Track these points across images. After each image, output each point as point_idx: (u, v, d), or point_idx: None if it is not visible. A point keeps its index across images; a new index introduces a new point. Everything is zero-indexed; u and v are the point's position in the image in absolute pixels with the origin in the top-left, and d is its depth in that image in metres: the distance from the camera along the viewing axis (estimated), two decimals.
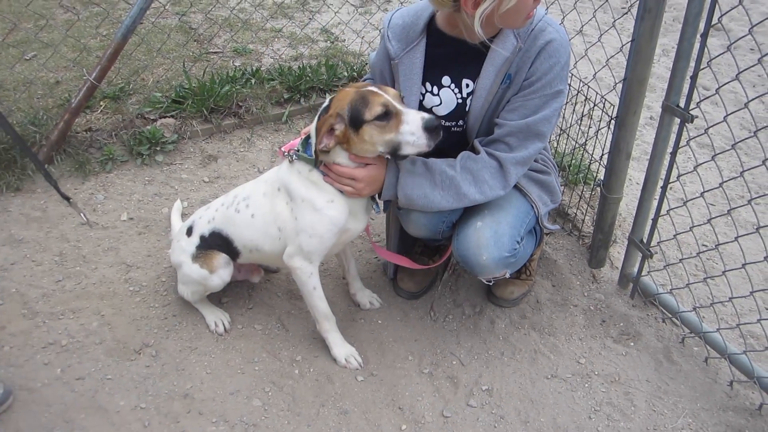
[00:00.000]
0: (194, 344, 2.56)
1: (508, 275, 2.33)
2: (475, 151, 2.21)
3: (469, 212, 2.27)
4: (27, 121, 3.53)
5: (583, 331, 2.64)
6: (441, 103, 2.28)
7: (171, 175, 3.56)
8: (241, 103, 3.88)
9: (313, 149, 2.09)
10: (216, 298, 2.73)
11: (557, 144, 3.49)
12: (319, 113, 2.11)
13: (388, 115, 1.96)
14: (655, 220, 2.44)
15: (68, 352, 2.49)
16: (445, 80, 2.25)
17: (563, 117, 3.31)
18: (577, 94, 2.99)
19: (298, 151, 2.19)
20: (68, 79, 4.17)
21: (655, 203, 2.47)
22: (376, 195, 2.25)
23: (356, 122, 1.99)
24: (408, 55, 2.21)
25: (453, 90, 2.25)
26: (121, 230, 3.18)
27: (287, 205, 2.25)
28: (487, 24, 1.98)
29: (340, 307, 2.76)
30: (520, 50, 2.09)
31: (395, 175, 2.15)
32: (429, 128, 1.96)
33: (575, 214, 3.17)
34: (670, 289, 2.56)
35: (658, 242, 2.50)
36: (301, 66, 4.18)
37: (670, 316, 2.56)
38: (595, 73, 2.83)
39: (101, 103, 3.91)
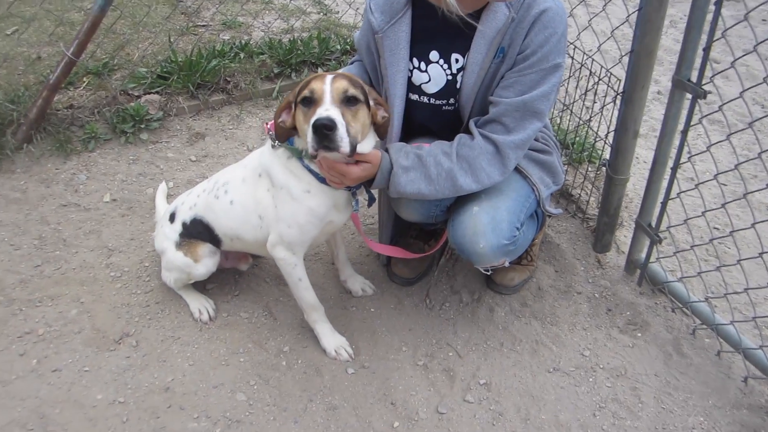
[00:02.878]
0: (177, 334, 2.43)
1: (507, 264, 2.19)
2: (470, 134, 2.06)
3: (465, 196, 2.12)
4: (4, 99, 3.36)
5: (587, 321, 2.50)
6: (430, 80, 2.12)
7: (156, 154, 3.40)
8: (229, 79, 3.71)
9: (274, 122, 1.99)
10: (200, 285, 2.60)
11: (560, 121, 3.32)
12: None
13: (310, 101, 1.83)
14: (664, 204, 2.29)
15: (45, 342, 2.37)
16: (433, 55, 2.08)
17: (566, 92, 3.13)
18: (580, 68, 2.81)
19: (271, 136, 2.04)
20: (51, 55, 3.99)
21: (664, 185, 2.31)
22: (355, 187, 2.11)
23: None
24: (392, 28, 2.04)
25: (442, 66, 2.08)
26: (104, 212, 3.03)
27: (268, 192, 2.10)
28: None
29: (331, 293, 2.62)
30: (513, 21, 1.91)
31: (388, 170, 2.00)
32: (314, 126, 1.72)
33: (579, 195, 3.01)
34: (681, 277, 2.42)
35: (667, 227, 2.36)
36: (291, 39, 3.99)
37: (681, 306, 2.41)
38: (600, 45, 2.64)
39: (84, 78, 3.74)
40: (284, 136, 1.98)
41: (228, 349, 2.37)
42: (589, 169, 3.07)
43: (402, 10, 2.02)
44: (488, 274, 2.51)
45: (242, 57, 3.87)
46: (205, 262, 2.39)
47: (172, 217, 2.45)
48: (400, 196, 2.05)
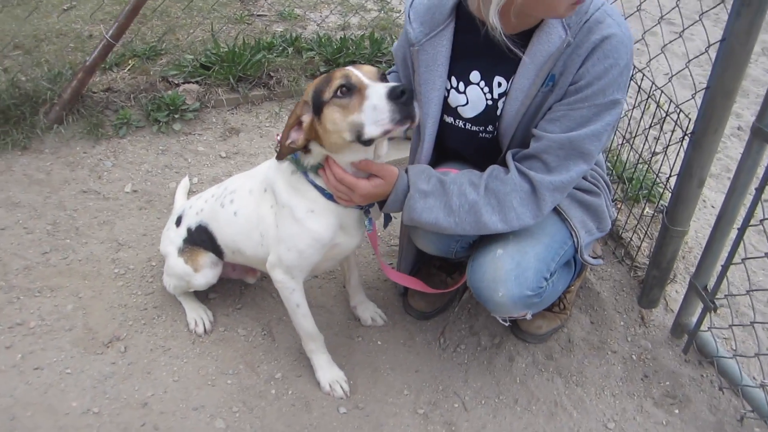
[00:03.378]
0: (168, 344, 2.28)
1: (529, 316, 1.92)
2: (506, 167, 1.80)
3: (491, 235, 1.86)
4: (45, 76, 3.31)
5: (618, 386, 2.19)
6: (467, 102, 1.87)
7: (187, 146, 3.28)
8: (272, 74, 3.55)
9: (280, 145, 1.75)
10: (203, 294, 2.43)
11: (619, 152, 2.97)
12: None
13: (350, 91, 1.57)
14: (725, 267, 1.95)
15: (34, 336, 2.26)
16: (474, 76, 1.83)
17: (628, 123, 2.80)
18: (647, 99, 2.48)
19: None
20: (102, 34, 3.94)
21: (728, 246, 1.97)
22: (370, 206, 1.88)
23: (318, 106, 1.63)
24: (431, 42, 1.80)
25: (482, 89, 1.83)
26: (122, 202, 2.92)
27: (272, 209, 1.91)
28: (519, 12, 1.55)
29: (338, 318, 2.41)
30: (569, 45, 1.64)
31: (404, 191, 1.76)
32: (393, 95, 1.52)
33: (630, 239, 2.68)
34: (735, 354, 2.07)
35: (726, 295, 2.02)
36: (343, 37, 3.79)
37: (731, 386, 2.06)
38: (671, 77, 2.30)
39: (130, 61, 3.66)
40: (287, 154, 1.77)
41: (217, 367, 2.20)
42: (647, 209, 2.73)
43: (444, 22, 1.79)
44: (506, 325, 2.24)
45: (290, 52, 3.70)
46: (205, 272, 2.22)
47: (178, 221, 2.30)
48: (413, 224, 1.81)
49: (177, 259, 2.25)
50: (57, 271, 2.54)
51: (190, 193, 2.97)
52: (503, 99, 1.82)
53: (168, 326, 2.35)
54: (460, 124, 1.92)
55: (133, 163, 3.15)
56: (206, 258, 2.21)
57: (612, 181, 2.91)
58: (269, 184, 1.90)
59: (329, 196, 1.80)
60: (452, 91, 1.89)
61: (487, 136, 1.92)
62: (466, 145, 1.99)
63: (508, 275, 1.80)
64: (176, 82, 3.49)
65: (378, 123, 1.53)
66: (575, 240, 1.93)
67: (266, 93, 3.55)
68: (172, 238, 2.29)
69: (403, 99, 1.51)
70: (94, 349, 2.24)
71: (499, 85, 1.82)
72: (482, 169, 1.82)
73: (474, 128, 1.91)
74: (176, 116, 3.35)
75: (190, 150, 3.26)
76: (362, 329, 2.37)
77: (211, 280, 2.25)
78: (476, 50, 1.79)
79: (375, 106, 1.52)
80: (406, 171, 1.79)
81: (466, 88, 1.86)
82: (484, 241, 1.91)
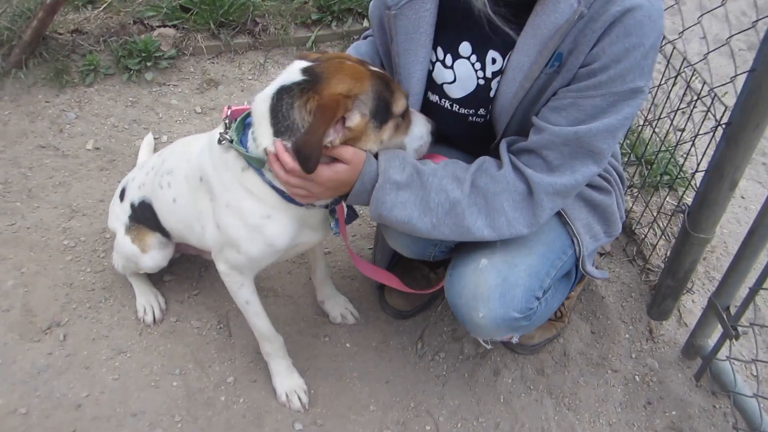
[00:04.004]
0: (112, 334, 2.04)
1: (515, 339, 1.63)
2: (500, 158, 1.48)
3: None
4: (2, 15, 2.96)
5: (616, 412, 1.92)
6: (455, 79, 1.53)
7: (159, 99, 2.95)
8: (258, 20, 3.17)
9: (254, 141, 1.42)
10: (158, 275, 2.16)
11: (639, 132, 2.59)
12: (287, 82, 1.37)
13: (406, 112, 1.49)
14: (753, 291, 1.63)
15: None
16: (464, 48, 1.49)
17: (653, 101, 2.41)
18: (676, 77, 2.09)
19: (227, 128, 1.50)
20: None
21: (759, 267, 1.64)
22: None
23: (382, 115, 1.40)
24: (412, 5, 1.45)
25: (473, 64, 1.49)
26: (82, 161, 2.64)
27: (210, 203, 1.60)
28: None
29: (304, 313, 2.14)
30: (582, 17, 1.29)
31: (372, 180, 1.44)
32: (433, 132, 1.56)
33: (645, 235, 2.34)
34: (756, 395, 1.77)
35: (751, 323, 1.70)
36: None
37: (749, 430, 1.77)
38: (707, 54, 1.90)
39: None
40: (317, 162, 1.33)
41: (164, 366, 1.96)
42: (668, 200, 2.39)
43: None
44: (488, 348, 1.95)
45: None
46: (152, 254, 1.95)
47: (122, 195, 2.01)
48: (381, 221, 1.51)
49: (124, 237, 1.98)
50: (1, 239, 2.29)
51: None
52: (498, 78, 1.48)
53: (115, 312, 2.10)
54: (447, 104, 1.59)
55: (98, 116, 2.84)
56: (153, 238, 1.94)
57: (629, 162, 2.55)
58: (204, 175, 1.59)
59: (290, 198, 1.49)
60: (438, 64, 1.55)
61: (478, 120, 1.59)
62: (454, 130, 1.66)
63: (491, 293, 1.50)
64: (151, 25, 3.13)
65: (417, 151, 1.53)
66: (577, 248, 1.62)
67: (251, 41, 3.18)
68: (118, 213, 2.02)
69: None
70: (31, 336, 2.01)
71: (494, 61, 1.47)
72: (477, 156, 1.51)
73: (463, 111, 1.58)
74: (149, 64, 3.01)
75: (162, 103, 2.94)
76: (330, 327, 2.10)
77: (160, 262, 1.98)
78: (469, 17, 1.43)
79: (421, 137, 1.53)
80: (377, 156, 1.46)
81: (454, 62, 1.52)
82: (467, 246, 1.60)
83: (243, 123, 1.50)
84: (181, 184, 1.69)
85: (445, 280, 1.63)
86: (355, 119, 1.35)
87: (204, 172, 1.56)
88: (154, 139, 2.69)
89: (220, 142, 1.49)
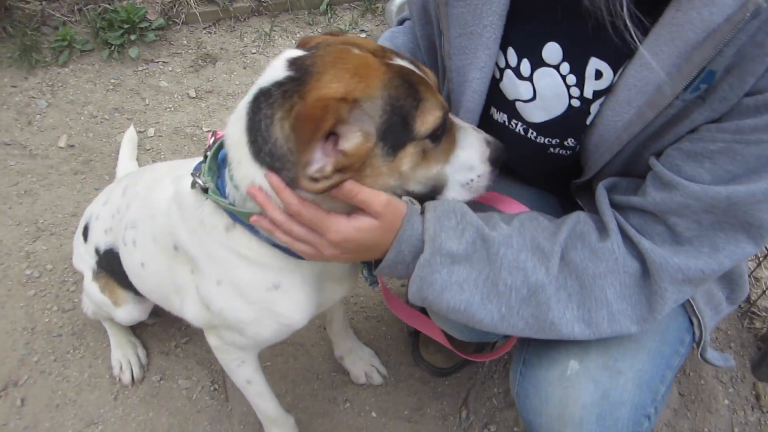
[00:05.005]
0: (82, 397, 1.65)
1: None
2: (595, 209, 1.01)
3: None
4: None
5: None
6: (534, 96, 1.04)
7: (146, 80, 2.48)
8: None
9: (232, 183, 0.95)
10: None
11: None
12: (266, 83, 0.90)
13: (441, 131, 0.96)
14: None
15: None
16: (551, 52, 0.99)
17: None
18: None
19: (199, 174, 1.03)
20: None
21: None
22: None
23: (396, 135, 0.90)
24: None
25: (564, 77, 1.00)
26: (53, 163, 2.20)
27: (192, 275, 1.14)
28: None
29: (320, 368, 1.72)
30: (757, 16, 0.78)
31: (414, 247, 0.98)
32: (495, 159, 1.02)
33: (752, 271, 1.84)
34: None
35: None
36: None
37: None
38: None
39: None
40: (323, 189, 0.89)
41: None
42: None
43: None
44: None
45: None
46: (127, 308, 1.54)
47: (85, 233, 1.56)
48: (424, 305, 1.05)
49: (92, 284, 1.55)
50: None
51: (146, 151, 2.23)
52: (602, 100, 0.98)
53: (85, 367, 1.71)
54: (519, 129, 1.11)
55: (73, 104, 2.38)
56: (126, 294, 1.51)
57: None
58: (180, 245, 1.12)
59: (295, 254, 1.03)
60: (508, 72, 1.05)
61: (562, 153, 1.10)
62: (524, 162, 1.19)
63: (585, 415, 1.04)
64: None
65: (468, 188, 1.02)
66: (697, 330, 1.15)
67: (254, 5, 2.67)
68: (83, 254, 1.58)
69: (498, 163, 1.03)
70: None
71: (598, 74, 0.97)
72: (551, 194, 1.04)
73: (542, 139, 1.09)
74: (133, 37, 2.53)
75: (150, 85, 2.46)
76: (352, 389, 1.68)
77: (138, 316, 1.57)
78: (557, 8, 0.93)
79: (471, 167, 1.00)
80: (423, 210, 0.99)
81: (533, 71, 1.02)
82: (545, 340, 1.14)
83: (216, 159, 1.03)
84: (148, 247, 1.23)
85: (513, 385, 1.18)
86: (352, 139, 0.86)
87: (177, 239, 1.10)
88: (139, 133, 2.26)
89: (194, 184, 1.02)
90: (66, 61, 2.48)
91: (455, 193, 1.01)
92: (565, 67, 0.99)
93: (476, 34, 1.02)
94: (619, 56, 0.93)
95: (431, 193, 1.00)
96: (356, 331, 1.74)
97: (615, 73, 0.95)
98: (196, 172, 1.04)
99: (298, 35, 2.69)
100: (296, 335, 1.75)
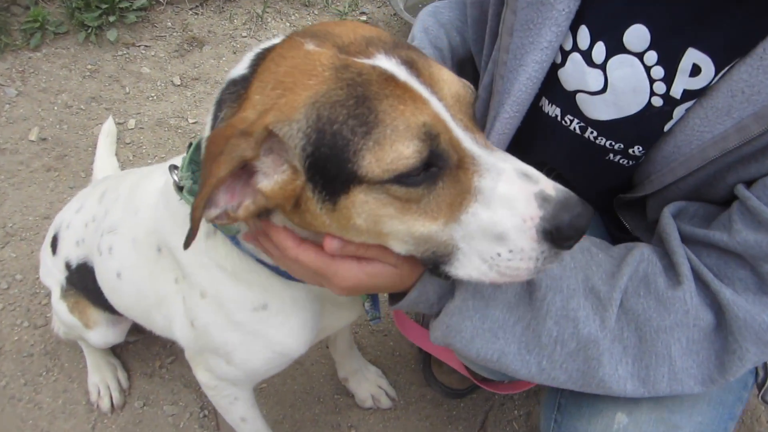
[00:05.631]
0: (55, 427, 1.49)
1: None
2: (644, 231, 0.84)
3: None
4: None
5: None
6: (605, 88, 0.86)
7: (126, 66, 2.27)
8: None
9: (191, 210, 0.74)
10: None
11: None
12: (232, 75, 0.74)
13: (434, 167, 0.66)
14: None
15: None
16: (635, 36, 0.81)
17: None
18: None
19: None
20: None
21: None
22: None
23: (333, 177, 0.66)
24: None
25: (650, 68, 0.82)
26: (23, 158, 2.00)
27: (176, 285, 0.96)
28: None
29: (320, 391, 1.55)
30: None
31: (440, 289, 0.82)
32: (554, 231, 0.65)
33: None
34: None
35: None
36: None
37: None
38: None
39: None
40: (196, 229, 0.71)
41: None
42: None
43: None
44: None
45: None
46: (100, 331, 1.37)
47: (54, 244, 1.37)
48: (452, 348, 0.87)
49: (60, 304, 1.37)
50: None
51: (125, 145, 2.03)
52: (691, 103, 0.80)
53: (59, 391, 1.53)
54: (575, 126, 0.93)
55: (46, 92, 2.17)
56: (99, 315, 1.34)
57: None
58: (166, 246, 0.94)
59: (286, 275, 0.86)
60: (574, 56, 0.87)
61: (623, 162, 0.92)
62: (571, 164, 1.00)
63: None
64: None
65: (495, 266, 0.68)
66: (763, 372, 0.99)
67: None
68: (50, 267, 1.39)
69: (569, 235, 0.65)
70: None
71: (696, 70, 0.78)
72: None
73: (602, 141, 0.91)
74: (112, 19, 2.31)
75: (130, 72, 2.26)
76: (357, 414, 1.51)
77: (112, 340, 1.40)
78: None
79: (500, 235, 0.66)
80: None
81: (608, 57, 0.84)
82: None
83: (199, 150, 0.84)
84: (127, 253, 1.05)
85: (545, 426, 1.02)
86: (270, 175, 0.68)
87: (162, 238, 0.92)
88: (118, 124, 2.07)
89: (177, 186, 0.84)
90: (38, 44, 2.27)
91: (471, 269, 0.69)
92: (651, 57, 0.80)
93: (548, 4, 0.83)
94: (728, 51, 0.74)
95: (430, 261, 0.71)
96: (361, 346, 1.57)
97: (717, 72, 0.76)
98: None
99: (292, 17, 2.49)
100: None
